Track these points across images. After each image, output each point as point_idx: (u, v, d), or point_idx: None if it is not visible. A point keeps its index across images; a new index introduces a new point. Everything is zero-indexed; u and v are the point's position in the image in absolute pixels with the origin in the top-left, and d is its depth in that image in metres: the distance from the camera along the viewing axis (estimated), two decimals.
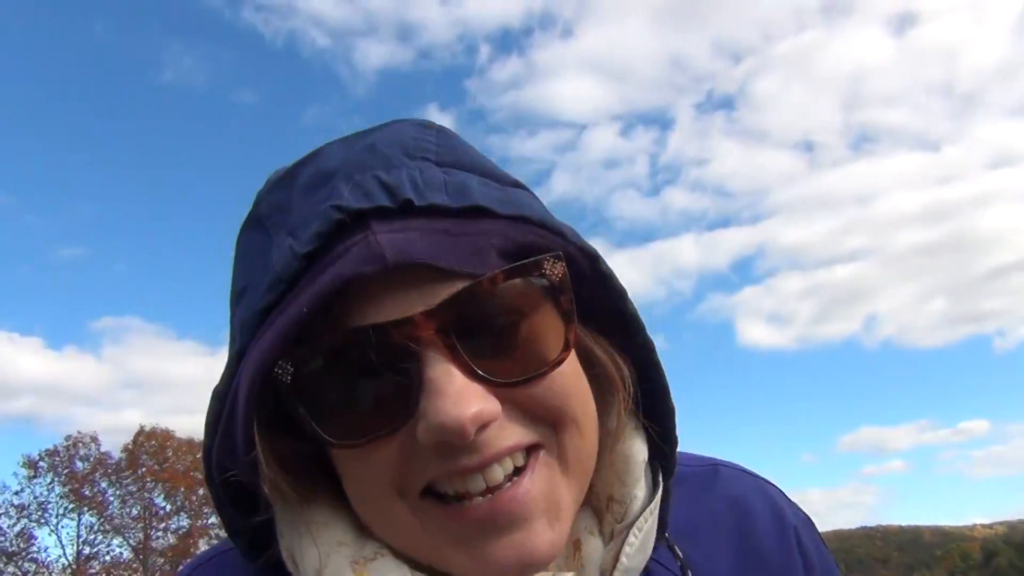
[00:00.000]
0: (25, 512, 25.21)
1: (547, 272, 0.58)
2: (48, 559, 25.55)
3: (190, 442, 25.84)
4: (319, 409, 0.57)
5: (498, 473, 0.57)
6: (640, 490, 0.66)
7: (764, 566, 0.73)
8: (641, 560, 0.64)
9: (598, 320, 0.65)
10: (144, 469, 25.22)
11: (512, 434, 0.58)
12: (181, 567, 0.76)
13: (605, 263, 0.64)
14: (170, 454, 25.41)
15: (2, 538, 24.96)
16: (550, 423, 0.60)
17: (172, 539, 25.16)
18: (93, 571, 25.49)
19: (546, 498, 0.59)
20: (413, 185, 0.58)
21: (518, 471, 0.59)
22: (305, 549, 0.61)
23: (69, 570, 25.32)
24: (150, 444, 25.38)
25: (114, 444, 30.42)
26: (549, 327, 0.59)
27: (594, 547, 0.65)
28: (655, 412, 0.68)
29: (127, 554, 25.51)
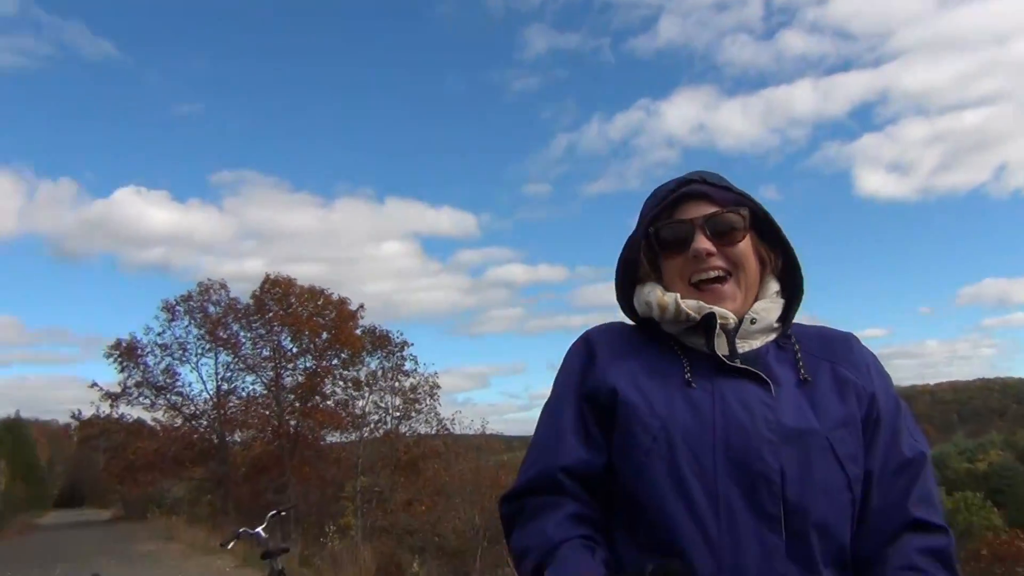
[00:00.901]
0: (168, 351, 27.52)
1: (743, 213, 1.36)
2: (192, 392, 28.09)
3: (311, 290, 27.16)
4: (662, 241, 1.38)
5: (712, 274, 1.35)
6: (772, 302, 1.38)
7: (833, 350, 1.36)
8: (764, 316, 1.34)
9: (769, 238, 1.40)
10: (271, 314, 26.83)
11: (722, 263, 1.35)
12: (586, 330, 1.46)
13: (769, 214, 1.38)
14: (293, 300, 26.89)
15: (151, 374, 27.51)
16: (736, 265, 1.35)
17: (300, 377, 26.93)
18: (232, 404, 27.87)
19: (732, 291, 1.35)
20: (708, 176, 1.39)
21: (721, 279, 1.35)
22: (647, 295, 1.38)
23: (211, 402, 27.78)
24: (275, 291, 26.86)
25: (240, 291, 32.37)
26: (741, 229, 1.36)
27: (755, 308, 1.36)
28: (794, 279, 1.41)
29: (261, 389, 27.73)
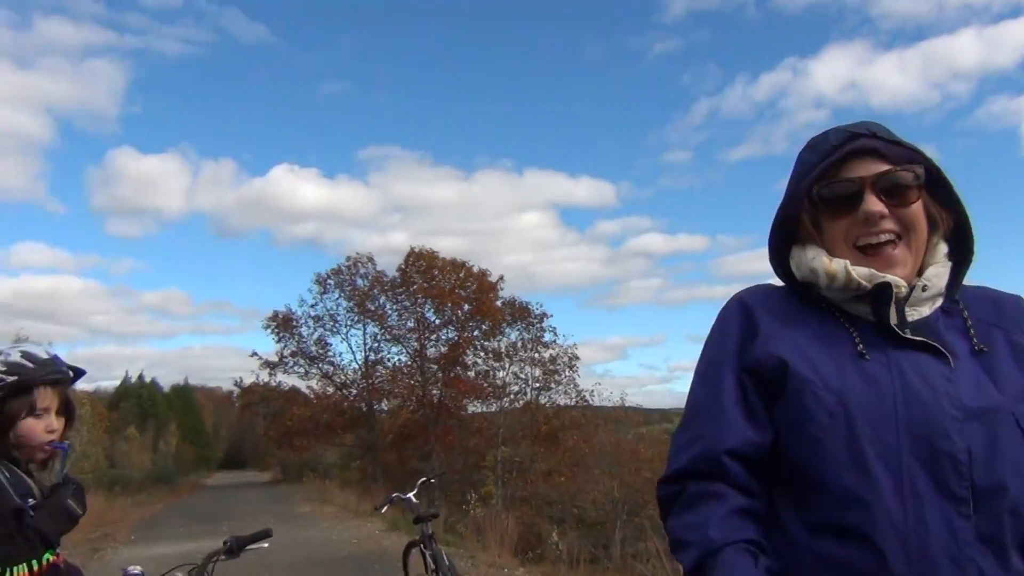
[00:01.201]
0: (320, 322, 28.94)
1: (917, 171, 1.25)
2: (342, 362, 29.43)
3: (453, 262, 27.79)
4: (827, 200, 1.28)
5: (883, 238, 1.24)
6: (943, 266, 1.28)
7: (1006, 315, 1.28)
8: (935, 282, 1.25)
9: (939, 198, 1.29)
10: (415, 287, 27.68)
11: (892, 226, 1.24)
12: (736, 293, 1.37)
13: (942, 171, 1.27)
14: (436, 273, 27.60)
15: (305, 344, 29.04)
16: (907, 227, 1.25)
17: (443, 348, 27.65)
18: (379, 373, 29.01)
19: (903, 256, 1.25)
20: (876, 129, 1.28)
21: (892, 242, 1.24)
22: (811, 261, 1.28)
23: (360, 372, 29.03)
24: (419, 264, 27.64)
25: (385, 264, 33.57)
26: (914, 189, 1.25)
27: (927, 274, 1.27)
28: (964, 241, 1.30)
29: (406, 360, 28.72)
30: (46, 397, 2.12)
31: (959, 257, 1.29)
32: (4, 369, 2.09)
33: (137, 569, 2.33)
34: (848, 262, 1.23)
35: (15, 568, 1.94)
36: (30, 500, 2.02)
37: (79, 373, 2.25)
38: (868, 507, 1.11)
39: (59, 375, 2.17)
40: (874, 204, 1.22)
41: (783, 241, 1.34)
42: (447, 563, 5.17)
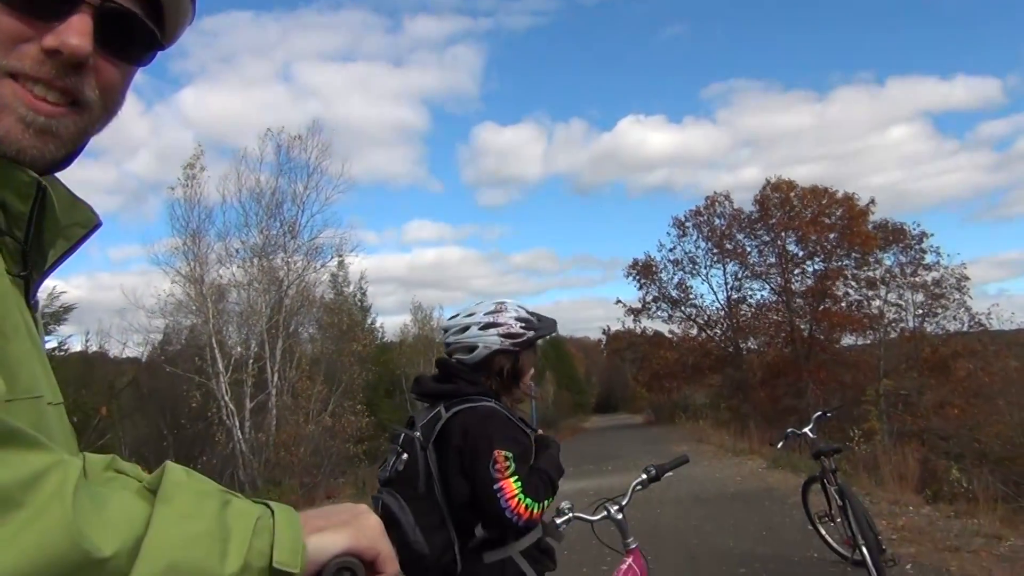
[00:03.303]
0: (680, 266, 29.47)
1: None
2: (704, 303, 29.72)
3: (813, 190, 26.48)
4: None
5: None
6: None
7: None
8: None
9: None
10: (774, 220, 26.92)
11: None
12: None
13: None
14: (795, 203, 26.57)
15: (666, 288, 29.78)
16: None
17: (809, 281, 26.65)
18: (743, 312, 28.82)
19: None
20: None
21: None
22: None
23: (723, 311, 29.08)
24: (776, 196, 26.84)
25: (740, 200, 33.01)
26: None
27: None
28: None
29: (769, 296, 28.17)
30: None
31: None
32: (523, 324, 2.28)
33: (568, 504, 2.48)
34: None
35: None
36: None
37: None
38: None
39: (553, 332, 2.41)
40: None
41: None
42: (855, 498, 4.96)
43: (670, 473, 2.85)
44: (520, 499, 2.08)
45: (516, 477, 2.10)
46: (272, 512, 0.66)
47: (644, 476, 2.76)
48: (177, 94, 52.82)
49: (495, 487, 2.08)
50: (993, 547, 5.85)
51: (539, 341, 2.37)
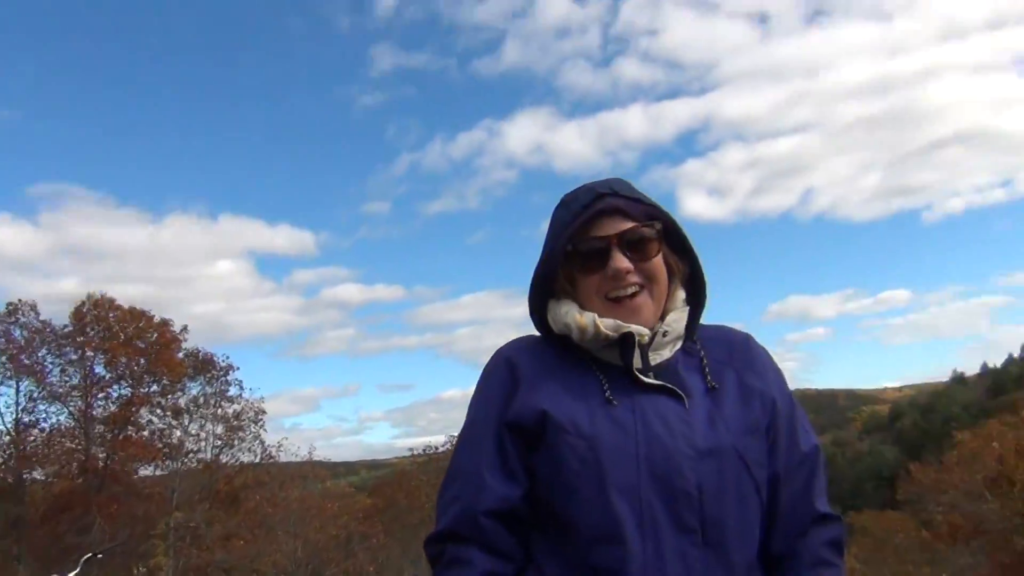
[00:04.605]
0: None
1: (657, 226, 1.37)
2: None
3: (132, 311, 25.68)
4: (579, 257, 1.37)
5: (630, 291, 1.35)
6: (681, 311, 1.41)
7: (738, 357, 1.42)
8: (675, 327, 1.38)
9: (675, 247, 1.42)
10: (85, 338, 25.16)
11: (637, 279, 1.35)
12: (499, 348, 1.47)
13: (678, 224, 1.41)
14: (113, 323, 25.41)
15: None
16: (650, 278, 1.36)
17: (113, 407, 25.39)
18: (32, 438, 25.74)
19: (646, 305, 1.36)
20: (619, 187, 1.40)
21: (637, 292, 1.35)
22: (564, 316, 1.37)
23: (8, 436, 25.54)
24: (94, 312, 25.28)
25: (51, 312, 30.15)
26: (655, 243, 1.37)
27: (667, 320, 1.39)
28: (698, 286, 1.44)
29: (67, 421, 25.79)
30: None
31: (695, 301, 1.44)
32: None
33: None
34: (596, 315, 1.34)
35: None
36: None
37: None
38: (614, 545, 1.21)
39: None
40: (620, 261, 1.34)
41: (541, 296, 1.44)
42: None
43: None
44: None
45: None
46: None
47: None
48: None
49: None
50: None
51: None
